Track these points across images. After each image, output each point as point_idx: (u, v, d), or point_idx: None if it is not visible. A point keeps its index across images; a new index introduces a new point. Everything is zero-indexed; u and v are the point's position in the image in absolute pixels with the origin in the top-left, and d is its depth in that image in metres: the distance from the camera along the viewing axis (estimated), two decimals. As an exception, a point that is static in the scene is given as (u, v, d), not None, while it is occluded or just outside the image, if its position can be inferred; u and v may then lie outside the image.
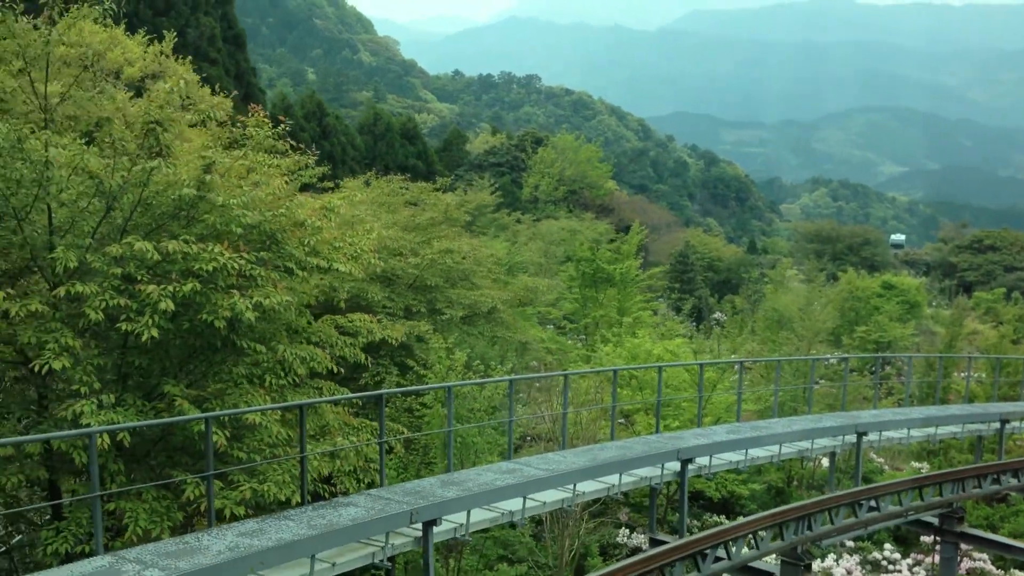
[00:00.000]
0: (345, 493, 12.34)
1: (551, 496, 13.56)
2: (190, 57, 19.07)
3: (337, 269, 12.94)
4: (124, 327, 10.46)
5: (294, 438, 11.99)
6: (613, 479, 14.60)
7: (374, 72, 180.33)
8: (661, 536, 15.33)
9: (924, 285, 65.40)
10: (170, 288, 10.42)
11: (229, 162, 12.05)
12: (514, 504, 12.87)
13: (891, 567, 22.54)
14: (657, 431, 17.93)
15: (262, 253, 11.77)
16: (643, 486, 15.53)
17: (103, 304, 10.33)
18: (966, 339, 44.28)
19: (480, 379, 17.30)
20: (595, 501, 18.47)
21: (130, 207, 11.38)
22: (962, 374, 33.45)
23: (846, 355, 34.44)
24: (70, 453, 10.36)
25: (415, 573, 16.72)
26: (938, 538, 19.48)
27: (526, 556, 19.15)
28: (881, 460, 29.17)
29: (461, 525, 12.04)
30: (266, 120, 13.25)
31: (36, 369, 10.29)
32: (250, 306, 10.83)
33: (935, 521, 19.00)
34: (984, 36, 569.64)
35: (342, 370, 13.61)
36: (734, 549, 14.76)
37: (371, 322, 14.34)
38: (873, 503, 17.60)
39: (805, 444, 18.39)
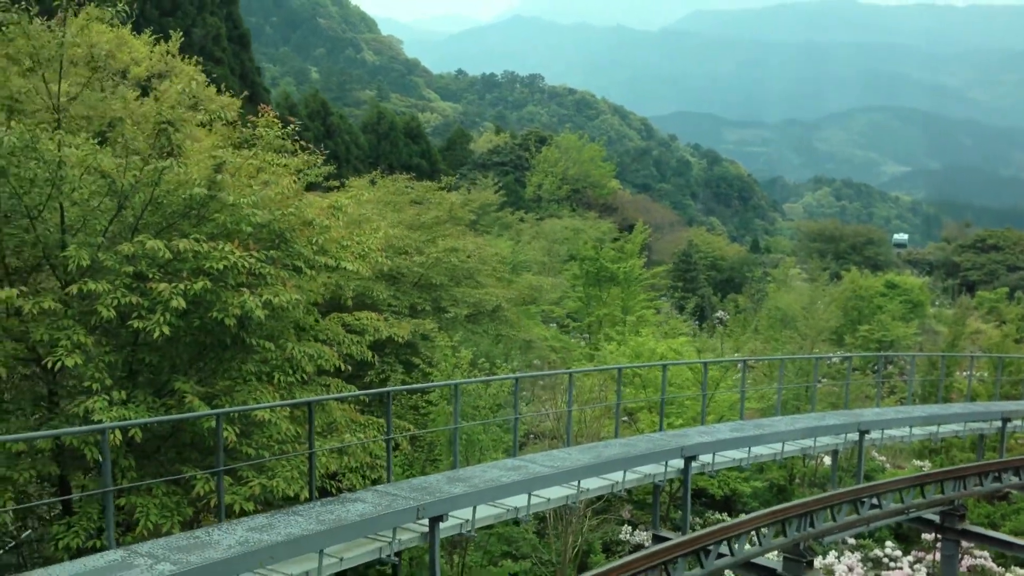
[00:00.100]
0: (351, 489, 12.48)
1: (556, 493, 13.68)
2: (197, 58, 19.18)
3: (345, 268, 13.08)
4: (136, 324, 10.61)
5: (302, 435, 12.14)
6: (617, 476, 14.71)
7: (377, 71, 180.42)
8: (664, 533, 15.44)
9: (927, 284, 65.44)
10: (181, 286, 10.57)
11: (239, 162, 12.19)
12: (519, 501, 12.99)
13: (892, 564, 22.64)
14: (661, 429, 18.04)
15: (271, 252, 11.92)
16: (647, 483, 15.64)
17: (115, 302, 10.48)
18: (969, 338, 44.32)
19: (486, 377, 17.44)
20: (599, 498, 18.57)
21: (141, 206, 11.54)
22: (964, 373, 33.53)
23: (849, 354, 34.51)
24: (81, 449, 10.51)
25: (419, 569, 16.84)
26: (939, 536, 19.57)
27: (529, 553, 19.28)
28: (883, 458, 29.27)
29: (467, 521, 12.17)
30: (276, 120, 13.39)
31: (48, 366, 10.44)
32: (260, 304, 10.98)
33: (936, 519, 19.08)
34: (987, 37, 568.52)
35: (349, 368, 13.75)
36: (737, 545, 14.88)
37: (378, 320, 14.48)
38: (875, 500, 17.71)
39: (808, 442, 18.49)
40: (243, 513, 10.81)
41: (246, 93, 15.90)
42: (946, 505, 18.98)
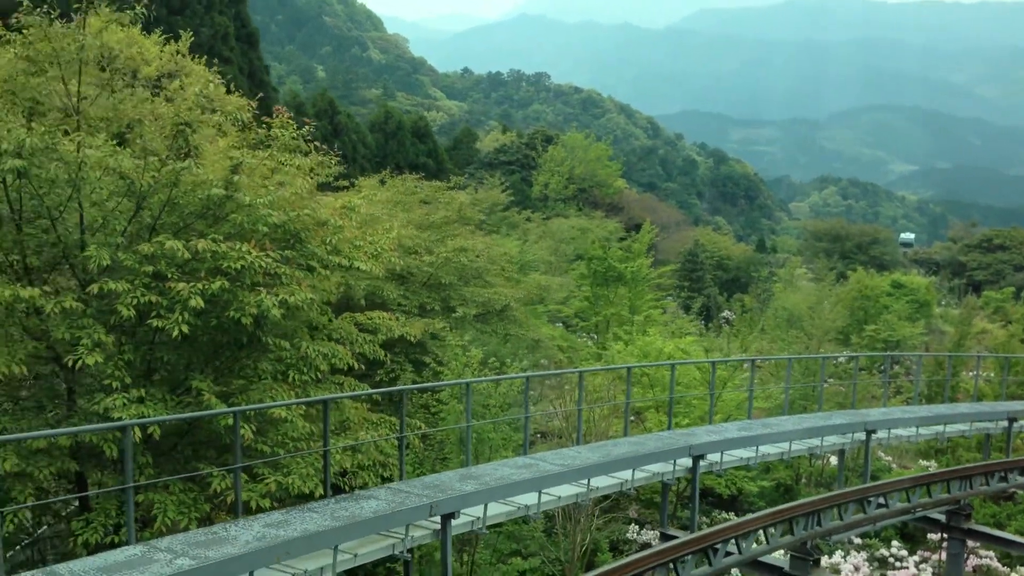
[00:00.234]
0: (363, 487, 12.63)
1: (565, 491, 13.84)
2: (209, 58, 19.31)
3: (358, 268, 13.23)
4: (155, 323, 10.77)
5: (316, 433, 12.30)
6: (626, 475, 14.85)
7: (383, 70, 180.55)
8: (672, 531, 15.59)
9: (933, 284, 65.38)
10: (199, 285, 10.74)
11: (255, 162, 12.35)
12: (529, 499, 13.14)
13: (898, 564, 22.72)
14: (669, 428, 18.17)
15: (286, 252, 12.07)
16: (655, 482, 15.79)
17: (135, 301, 10.65)
18: (975, 338, 44.38)
19: (496, 376, 17.59)
20: (606, 497, 18.71)
21: (159, 207, 11.70)
22: (971, 373, 33.61)
23: (855, 354, 34.59)
24: (100, 446, 10.68)
25: (429, 567, 16.99)
26: (945, 535, 19.66)
27: (538, 551, 19.41)
28: (889, 458, 29.34)
29: (478, 519, 12.33)
30: (291, 121, 13.54)
31: (68, 364, 10.61)
32: (276, 303, 11.14)
33: (942, 518, 19.17)
34: (995, 34, 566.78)
35: (362, 366, 13.90)
36: (744, 544, 15.01)
37: (389, 319, 14.63)
38: (881, 500, 17.81)
39: (815, 441, 18.62)
40: (259, 510, 10.98)
41: (260, 95, 16.01)
42: (952, 505, 19.08)
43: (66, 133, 11.08)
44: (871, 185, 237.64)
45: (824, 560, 20.57)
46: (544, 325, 32.42)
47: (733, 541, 14.83)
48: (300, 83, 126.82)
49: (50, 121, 11.45)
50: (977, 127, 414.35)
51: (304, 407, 12.29)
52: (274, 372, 12.17)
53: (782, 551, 16.19)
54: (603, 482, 14.52)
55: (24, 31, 11.52)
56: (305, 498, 11.53)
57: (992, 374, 35.50)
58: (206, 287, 10.76)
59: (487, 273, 22.87)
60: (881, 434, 19.95)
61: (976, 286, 76.06)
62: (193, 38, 16.88)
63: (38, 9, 11.47)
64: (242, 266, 11.08)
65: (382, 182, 25.70)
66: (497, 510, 12.71)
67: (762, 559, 15.61)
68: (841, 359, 34.31)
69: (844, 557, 22.46)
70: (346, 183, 23.13)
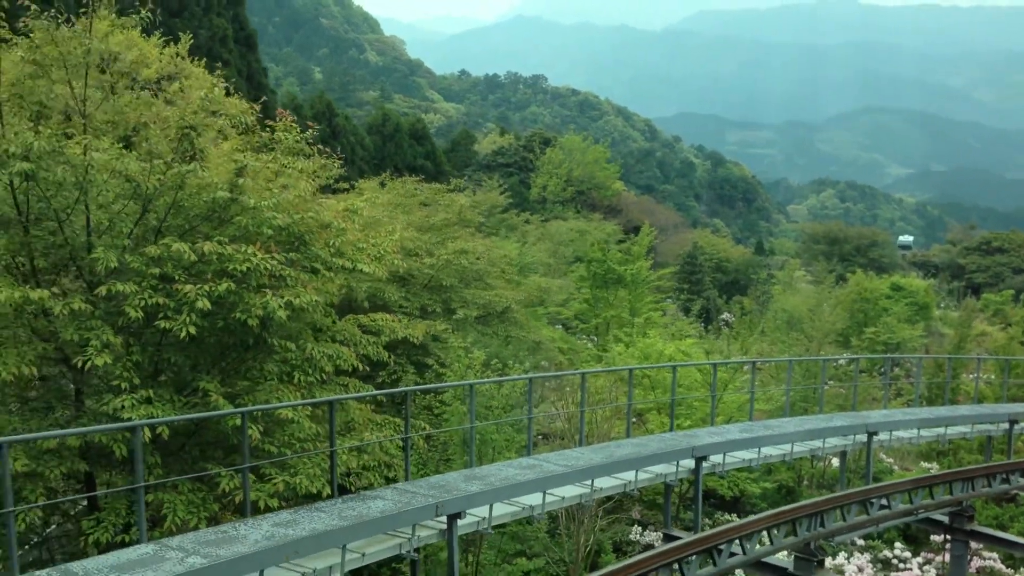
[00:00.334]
0: (368, 487, 12.67)
1: (569, 492, 13.88)
2: (208, 61, 19.34)
3: (361, 270, 13.28)
4: (162, 325, 10.81)
5: (322, 433, 12.35)
6: (629, 475, 14.90)
7: (380, 72, 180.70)
8: (675, 532, 15.63)
9: (932, 287, 65.50)
10: (206, 287, 10.78)
11: (259, 165, 12.39)
12: (534, 499, 13.20)
13: (902, 566, 22.78)
14: (671, 429, 18.22)
15: (291, 254, 12.12)
16: (658, 483, 15.83)
17: (142, 303, 10.69)
18: (975, 340, 44.48)
19: (500, 377, 17.64)
20: (610, 498, 18.77)
21: (164, 209, 11.74)
22: (971, 375, 33.69)
23: (856, 356, 34.66)
24: (109, 446, 10.72)
25: (433, 567, 17.03)
26: (948, 536, 19.71)
27: (542, 551, 19.46)
28: (891, 460, 29.40)
29: (484, 519, 12.37)
30: (294, 124, 13.59)
31: (77, 365, 10.65)
32: (282, 305, 11.18)
33: (945, 520, 19.23)
34: (991, 38, 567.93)
35: (366, 368, 13.94)
36: (748, 545, 15.06)
37: (393, 321, 14.67)
38: (884, 501, 17.87)
39: (816, 443, 18.68)
40: (267, 509, 11.03)
41: (264, 99, 16.05)
42: (955, 506, 19.13)
43: (71, 137, 11.11)
44: (869, 188, 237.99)
45: (828, 561, 20.63)
46: (544, 327, 32.46)
47: (737, 542, 14.89)
48: (297, 85, 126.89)
49: (56, 124, 11.50)
50: (974, 130, 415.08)
51: (310, 408, 12.33)
52: (280, 373, 12.22)
53: (786, 552, 16.24)
54: (606, 483, 14.57)
55: (31, 35, 11.56)
56: (312, 498, 11.58)
57: (992, 376, 35.59)
58: (213, 289, 10.80)
59: (487, 275, 22.92)
60: (882, 436, 20.01)
61: (975, 288, 76.26)
62: (192, 40, 16.91)
63: (45, 13, 11.51)
64: (248, 268, 11.13)
65: (382, 184, 25.73)
66: (502, 510, 12.77)
67: (766, 560, 15.67)
68: (841, 361, 34.38)
69: (848, 558, 22.52)
70: (346, 185, 23.17)
